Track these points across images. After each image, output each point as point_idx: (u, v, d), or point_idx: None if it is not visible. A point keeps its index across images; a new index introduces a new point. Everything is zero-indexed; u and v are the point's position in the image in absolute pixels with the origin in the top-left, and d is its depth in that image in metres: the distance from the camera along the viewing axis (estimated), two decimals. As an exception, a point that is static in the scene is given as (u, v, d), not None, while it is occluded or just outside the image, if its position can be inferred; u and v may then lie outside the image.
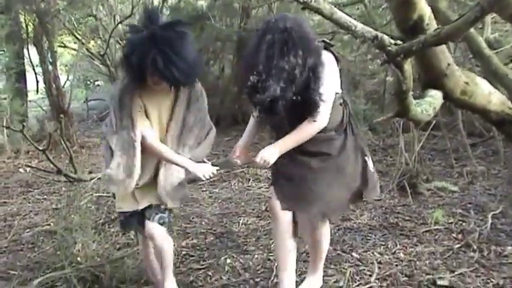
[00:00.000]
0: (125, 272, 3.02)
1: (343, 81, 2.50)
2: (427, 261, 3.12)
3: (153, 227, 2.54)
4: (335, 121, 2.44)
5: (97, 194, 4.31)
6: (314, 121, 2.33)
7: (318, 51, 2.32)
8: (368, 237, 3.54)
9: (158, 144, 2.48)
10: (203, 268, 3.23)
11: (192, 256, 3.42)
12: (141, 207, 2.54)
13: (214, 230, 3.86)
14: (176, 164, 2.48)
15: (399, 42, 2.19)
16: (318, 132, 2.38)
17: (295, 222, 2.55)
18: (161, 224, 2.55)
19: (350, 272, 3.01)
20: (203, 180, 2.57)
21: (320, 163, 2.45)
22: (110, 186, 2.55)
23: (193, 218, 4.13)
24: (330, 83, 2.35)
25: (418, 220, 3.77)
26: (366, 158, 2.55)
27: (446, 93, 2.87)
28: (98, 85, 10.76)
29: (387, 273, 2.99)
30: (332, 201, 2.47)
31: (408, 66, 2.37)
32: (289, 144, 2.36)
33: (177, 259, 3.35)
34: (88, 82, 10.25)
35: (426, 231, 3.56)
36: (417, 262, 3.12)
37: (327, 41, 2.47)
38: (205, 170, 2.47)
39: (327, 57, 2.37)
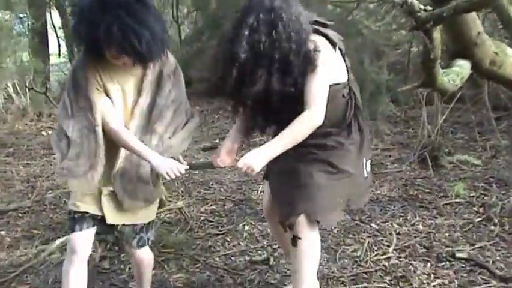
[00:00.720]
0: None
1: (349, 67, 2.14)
2: (446, 234, 3.10)
3: (138, 253, 2.29)
4: (334, 117, 2.08)
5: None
6: (306, 117, 1.96)
7: (308, 34, 1.99)
8: (387, 209, 3.52)
9: (122, 129, 2.07)
10: (221, 234, 3.27)
11: (211, 222, 3.46)
12: (109, 222, 2.15)
13: (233, 197, 3.88)
14: (139, 156, 2.07)
15: (429, 8, 2.11)
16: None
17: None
18: (141, 246, 2.27)
19: (368, 242, 3.02)
20: (168, 180, 2.15)
21: (314, 155, 2.12)
22: (69, 180, 2.15)
23: (212, 185, 4.16)
24: (320, 73, 1.98)
25: (439, 193, 3.73)
26: (364, 160, 2.23)
27: (475, 63, 2.78)
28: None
29: (405, 244, 2.99)
30: (323, 200, 2.11)
31: (438, 34, 2.29)
32: (278, 149, 1.97)
33: (196, 224, 3.39)
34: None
35: (446, 204, 3.52)
36: (437, 234, 3.10)
37: (322, 20, 2.10)
38: (170, 168, 2.03)
39: (317, 42, 2.01)
